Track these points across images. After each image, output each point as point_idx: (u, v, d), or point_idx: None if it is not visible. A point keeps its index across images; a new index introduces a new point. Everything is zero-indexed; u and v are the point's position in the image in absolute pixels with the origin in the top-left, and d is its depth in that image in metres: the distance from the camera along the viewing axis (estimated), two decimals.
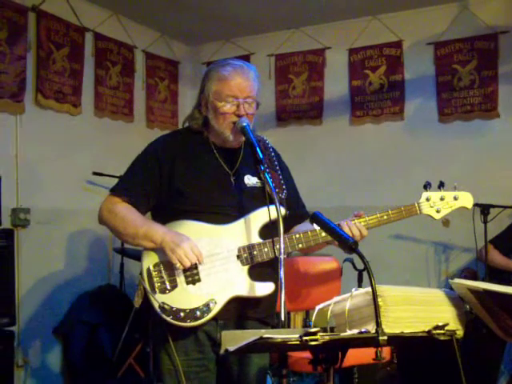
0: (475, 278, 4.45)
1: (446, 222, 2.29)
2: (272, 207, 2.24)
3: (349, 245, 1.64)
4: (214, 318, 2.22)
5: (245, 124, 2.24)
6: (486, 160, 4.66)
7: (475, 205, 3.98)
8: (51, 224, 4.22)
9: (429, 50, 4.92)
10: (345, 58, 5.22)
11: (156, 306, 2.16)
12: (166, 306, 2.16)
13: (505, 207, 4.07)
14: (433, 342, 1.52)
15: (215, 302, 2.18)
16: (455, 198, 2.31)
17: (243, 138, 2.31)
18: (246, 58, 5.69)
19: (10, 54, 4.04)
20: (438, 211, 2.31)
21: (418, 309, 1.64)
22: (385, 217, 2.30)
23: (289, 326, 3.44)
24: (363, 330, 1.56)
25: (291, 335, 1.48)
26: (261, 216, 2.24)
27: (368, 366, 2.82)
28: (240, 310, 2.27)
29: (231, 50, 5.75)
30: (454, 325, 1.67)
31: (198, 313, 2.16)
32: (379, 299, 1.62)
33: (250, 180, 2.35)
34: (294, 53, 5.45)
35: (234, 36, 5.71)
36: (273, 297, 2.31)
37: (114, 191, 2.32)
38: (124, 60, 5.10)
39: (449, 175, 4.34)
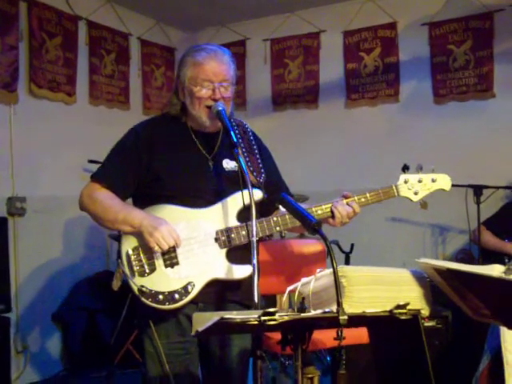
0: (471, 260, 4.44)
1: (423, 204, 2.29)
2: (255, 190, 2.26)
3: (311, 225, 1.65)
4: (195, 302, 2.24)
5: (220, 108, 2.25)
6: (481, 141, 4.63)
7: (468, 186, 4.00)
8: (48, 212, 4.26)
9: (423, 30, 4.88)
10: (340, 41, 5.20)
11: (135, 289, 2.20)
12: (144, 289, 2.18)
13: (498, 188, 4.05)
14: (397, 321, 1.53)
15: (193, 285, 2.20)
16: (433, 180, 2.32)
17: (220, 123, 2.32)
18: (241, 43, 5.71)
19: (2, 44, 4.07)
20: (415, 193, 2.31)
21: (383, 289, 1.65)
22: (362, 199, 2.31)
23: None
24: (327, 310, 1.57)
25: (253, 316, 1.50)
26: (238, 199, 2.25)
27: (358, 346, 2.84)
28: (220, 293, 2.30)
29: (227, 35, 5.74)
30: (420, 304, 1.68)
31: (177, 295, 2.19)
32: (343, 279, 1.64)
33: (229, 164, 2.36)
34: (290, 37, 5.43)
35: (229, 21, 5.70)
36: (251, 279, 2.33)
37: (94, 178, 2.35)
38: (119, 48, 5.11)
39: (444, 156, 4.41)
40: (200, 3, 5.21)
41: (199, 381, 2.38)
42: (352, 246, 3.45)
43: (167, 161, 2.31)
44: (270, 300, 3.50)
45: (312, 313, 1.53)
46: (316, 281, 1.75)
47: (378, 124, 5.02)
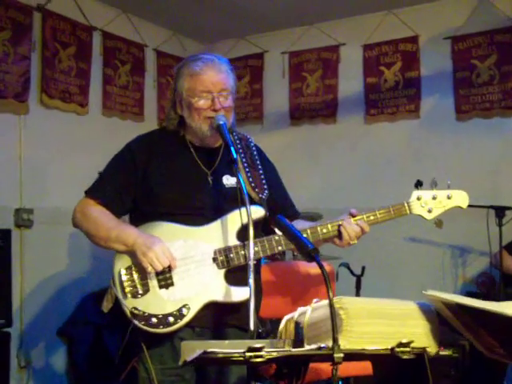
0: (493, 284, 4.24)
1: (439, 222, 2.14)
2: (257, 208, 2.15)
3: (308, 252, 1.51)
4: (191, 326, 2.13)
5: (221, 122, 2.15)
6: (505, 160, 4.44)
7: (490, 207, 3.81)
8: (55, 224, 4.18)
9: (446, 44, 4.72)
10: (359, 55, 5.06)
11: (127, 311, 2.09)
12: (137, 312, 2.08)
13: None
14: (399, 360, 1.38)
15: (189, 308, 2.09)
16: (448, 197, 2.17)
17: None
18: (259, 56, 5.61)
19: (14, 54, 4.02)
20: (429, 211, 2.17)
21: (385, 323, 1.50)
22: (371, 217, 2.18)
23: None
24: (323, 345, 1.43)
25: (240, 350, 1.36)
26: (238, 217, 2.13)
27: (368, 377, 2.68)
28: (218, 317, 2.18)
29: (245, 48, 5.67)
30: (426, 341, 1.52)
31: (171, 319, 2.08)
32: (341, 312, 1.50)
33: (229, 180, 2.25)
34: (308, 50, 5.31)
35: (247, 33, 5.61)
36: (255, 302, 2.20)
37: (88, 193, 2.27)
38: (134, 59, 5.04)
39: (466, 175, 4.22)
40: (218, 15, 5.13)
41: None
42: (363, 268, 3.29)
43: (164, 176, 2.21)
44: (276, 324, 3.34)
45: (304, 349, 1.39)
46: (313, 311, 1.61)
47: (397, 140, 4.86)
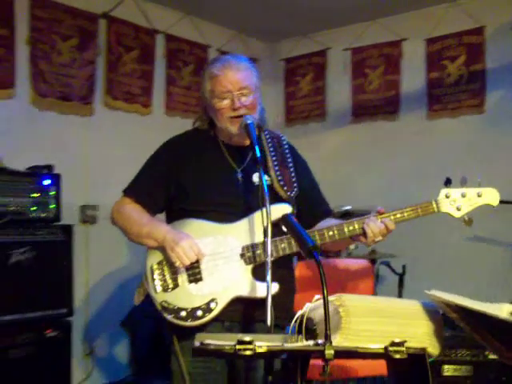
0: None
1: (468, 220, 2.08)
2: (284, 205, 2.17)
3: (307, 248, 1.53)
4: (220, 320, 2.19)
5: (249, 122, 2.18)
6: None
7: None
8: None
9: None
10: (422, 49, 4.94)
11: (157, 304, 2.18)
12: (167, 305, 2.16)
13: None
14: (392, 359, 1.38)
15: (216, 302, 2.14)
16: (479, 195, 2.11)
17: None
18: (322, 53, 5.60)
19: (81, 60, 4.26)
20: (458, 209, 2.12)
21: (385, 322, 1.50)
22: (398, 215, 2.16)
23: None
24: (320, 341, 1.45)
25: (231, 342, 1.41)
26: (265, 215, 2.16)
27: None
28: (246, 312, 2.22)
29: (308, 46, 5.68)
30: (429, 341, 1.51)
31: (200, 312, 2.14)
32: (340, 309, 1.51)
33: (258, 178, 2.28)
34: (370, 46, 5.25)
35: (310, 31, 5.62)
36: (285, 298, 2.24)
37: (125, 192, 2.38)
38: (197, 60, 5.18)
39: None
40: (281, 13, 5.17)
41: None
42: (404, 267, 3.22)
43: (195, 175, 2.28)
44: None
45: (296, 344, 1.41)
46: (320, 307, 1.62)
47: (460, 137, 4.70)
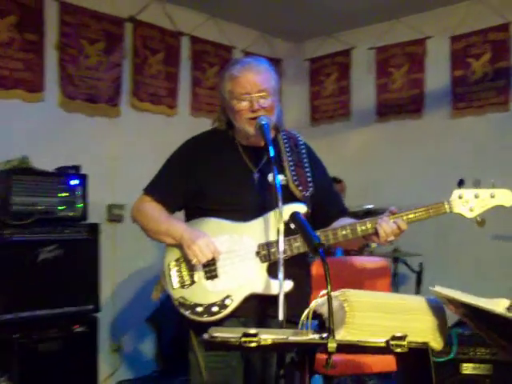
0: None
1: (481, 221, 2.10)
2: (298, 205, 2.22)
3: (313, 245, 1.58)
4: (236, 316, 2.24)
5: (263, 123, 2.22)
6: None
7: None
8: None
9: None
10: (446, 47, 4.92)
11: (174, 300, 2.25)
12: (184, 301, 2.23)
13: None
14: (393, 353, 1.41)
15: (232, 299, 2.20)
16: (492, 196, 2.12)
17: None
18: (346, 53, 5.62)
19: (107, 63, 4.37)
20: (471, 209, 2.13)
21: (389, 317, 1.52)
22: (410, 215, 2.18)
23: None
24: (325, 335, 1.50)
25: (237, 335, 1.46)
26: (283, 214, 2.21)
27: None
28: (261, 308, 2.27)
29: (333, 45, 5.71)
30: (432, 336, 1.53)
31: (215, 308, 2.20)
32: (345, 304, 1.55)
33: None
34: (394, 44, 5.25)
35: (335, 31, 5.64)
36: (299, 295, 2.28)
37: (145, 191, 2.45)
38: (222, 61, 5.24)
39: None
40: (306, 14, 5.20)
41: None
42: (421, 264, 3.23)
43: (212, 175, 2.33)
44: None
45: (299, 337, 1.46)
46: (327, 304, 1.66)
47: (485, 135, 4.66)
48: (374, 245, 3.71)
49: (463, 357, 2.94)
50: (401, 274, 3.87)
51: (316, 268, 2.56)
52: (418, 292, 3.32)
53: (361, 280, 2.73)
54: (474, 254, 4.50)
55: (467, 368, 2.94)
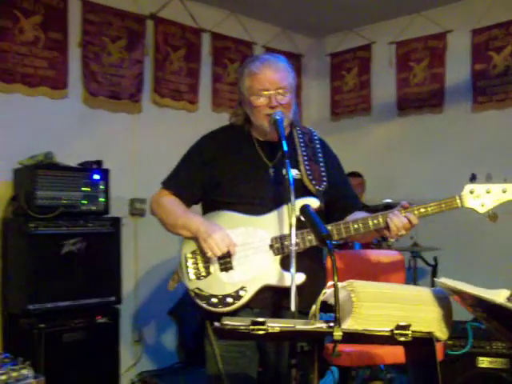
0: None
1: (493, 216, 2.11)
2: (311, 199, 2.26)
3: (321, 236, 1.62)
4: (250, 307, 2.29)
5: (277, 117, 2.26)
6: None
7: None
8: None
9: None
10: (467, 41, 4.89)
11: (190, 291, 2.31)
12: (199, 292, 2.29)
13: None
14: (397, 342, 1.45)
15: (246, 290, 2.25)
16: (503, 191, 2.14)
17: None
18: (367, 48, 5.62)
19: (129, 60, 4.46)
20: (482, 204, 2.15)
21: (394, 307, 1.56)
22: (422, 210, 2.21)
23: None
24: (332, 324, 1.54)
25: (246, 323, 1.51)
26: (296, 207, 2.25)
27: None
28: (275, 300, 2.32)
29: (353, 40, 5.71)
30: (437, 326, 1.57)
31: (230, 299, 2.25)
32: (352, 294, 1.59)
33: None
34: (415, 39, 5.23)
35: (355, 25, 5.64)
36: (314, 287, 2.32)
37: (164, 185, 2.51)
38: (243, 57, 5.28)
39: None
40: (326, 9, 5.22)
41: None
42: (435, 258, 3.24)
43: (229, 169, 2.38)
44: None
45: (306, 326, 1.50)
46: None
47: (507, 129, 4.63)
48: (391, 239, 3.73)
49: (479, 351, 2.96)
50: (419, 268, 3.90)
51: (330, 261, 2.59)
52: (432, 285, 3.33)
53: (376, 273, 2.77)
54: (490, 248, 4.49)
55: (483, 362, 2.95)
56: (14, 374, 1.87)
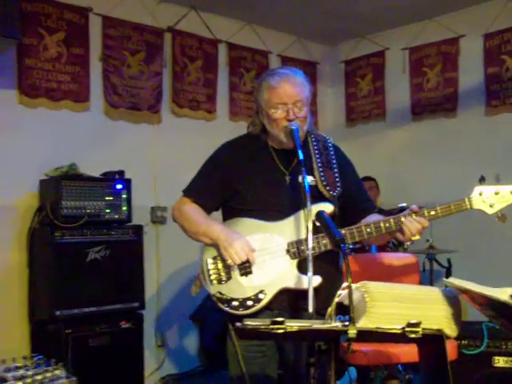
0: None
1: (502, 217, 2.18)
2: (325, 204, 2.35)
3: (335, 241, 1.72)
4: (269, 308, 2.39)
5: (293, 128, 2.36)
6: None
7: None
8: None
9: None
10: (480, 45, 4.95)
11: (212, 295, 2.41)
12: (221, 296, 2.38)
13: None
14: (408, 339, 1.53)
15: (265, 294, 2.35)
16: None
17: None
18: (380, 54, 5.70)
19: (148, 72, 4.59)
20: (491, 206, 2.22)
21: (406, 306, 1.65)
22: (432, 213, 2.28)
23: None
24: (347, 323, 1.63)
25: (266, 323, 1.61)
26: (312, 213, 2.34)
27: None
28: (294, 302, 2.41)
29: (367, 47, 5.79)
30: (447, 324, 1.65)
31: (250, 302, 2.35)
32: (366, 295, 1.68)
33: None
34: (428, 44, 5.31)
35: (368, 32, 5.73)
36: (331, 289, 2.41)
37: (185, 192, 2.62)
38: (258, 66, 5.41)
39: None
40: (339, 16, 5.31)
41: None
42: (449, 260, 3.30)
43: (247, 177, 2.48)
44: None
45: (323, 325, 1.60)
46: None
47: None
48: (407, 243, 3.80)
49: (495, 350, 3.01)
50: (436, 270, 3.96)
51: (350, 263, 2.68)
52: (446, 286, 3.38)
53: (390, 275, 2.84)
54: (504, 249, 4.53)
55: (499, 361, 3.00)
56: (49, 375, 1.99)
